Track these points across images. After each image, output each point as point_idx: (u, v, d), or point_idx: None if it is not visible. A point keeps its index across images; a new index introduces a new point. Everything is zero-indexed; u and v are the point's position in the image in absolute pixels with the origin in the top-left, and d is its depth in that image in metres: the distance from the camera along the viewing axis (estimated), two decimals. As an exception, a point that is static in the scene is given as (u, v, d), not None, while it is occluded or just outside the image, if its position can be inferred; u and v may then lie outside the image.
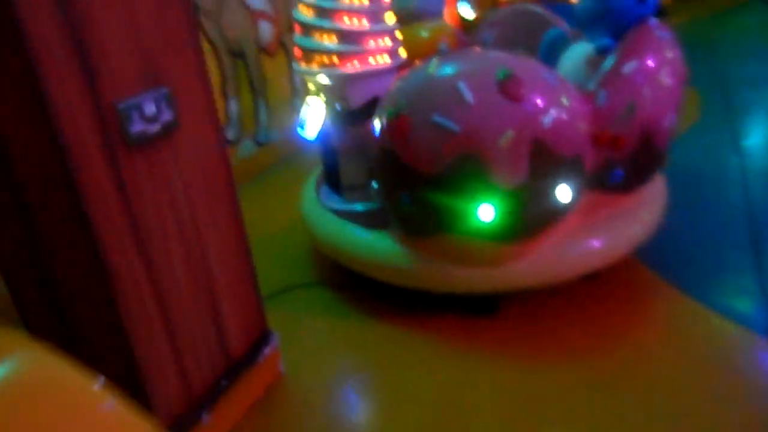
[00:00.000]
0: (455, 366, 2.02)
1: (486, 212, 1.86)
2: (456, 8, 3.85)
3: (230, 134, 3.52)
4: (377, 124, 1.97)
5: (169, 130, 1.52)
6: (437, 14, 2.82)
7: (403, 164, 1.89)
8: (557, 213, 1.97)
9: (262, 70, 3.65)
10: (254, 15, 3.53)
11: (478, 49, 2.42)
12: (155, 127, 1.48)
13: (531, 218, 1.93)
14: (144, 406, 1.57)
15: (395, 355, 2.11)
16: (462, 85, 1.75)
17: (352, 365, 2.12)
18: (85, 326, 1.57)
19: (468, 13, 3.97)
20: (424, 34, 2.73)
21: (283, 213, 3.06)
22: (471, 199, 1.85)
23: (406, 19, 2.72)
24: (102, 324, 1.50)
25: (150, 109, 1.46)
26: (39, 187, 1.40)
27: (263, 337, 1.93)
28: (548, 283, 2.16)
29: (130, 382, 1.54)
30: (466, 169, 1.79)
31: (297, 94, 3.99)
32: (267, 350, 1.93)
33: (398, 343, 2.15)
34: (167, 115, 1.51)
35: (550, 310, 2.22)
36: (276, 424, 1.85)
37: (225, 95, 3.44)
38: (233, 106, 3.51)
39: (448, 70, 1.83)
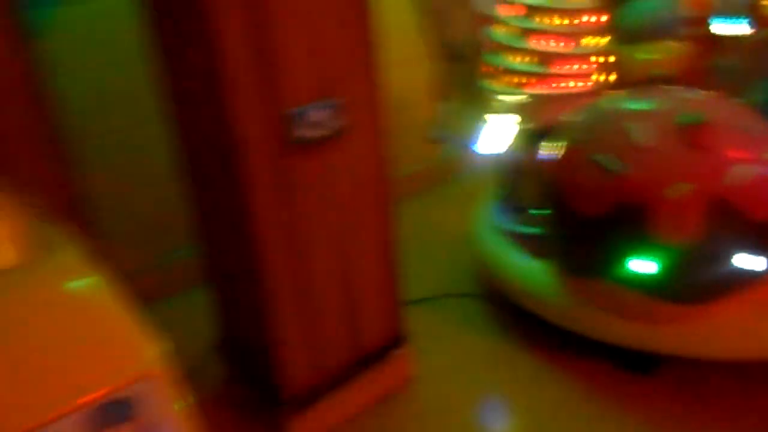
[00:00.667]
0: (594, 419, 1.88)
1: (645, 266, 1.68)
2: (706, 26, 3.33)
3: (435, 133, 3.62)
4: (547, 152, 1.90)
5: (330, 136, 1.67)
6: (666, 34, 2.54)
7: (563, 199, 1.80)
8: (737, 282, 1.70)
9: (479, 74, 3.67)
10: (481, 20, 3.55)
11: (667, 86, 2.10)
12: (318, 133, 1.64)
13: (700, 282, 1.69)
14: (273, 368, 1.78)
15: (532, 391, 2.03)
16: (632, 126, 1.60)
17: (484, 387, 2.09)
18: (238, 287, 1.84)
19: (728, 30, 3.40)
20: (645, 56, 2.49)
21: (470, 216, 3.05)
22: (629, 250, 1.69)
23: (630, 39, 2.51)
24: (249, 292, 1.75)
25: (316, 116, 1.62)
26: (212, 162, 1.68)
27: (395, 342, 2.01)
28: (718, 357, 1.87)
29: (263, 350, 1.76)
30: (626, 217, 1.64)
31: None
32: (397, 354, 2.01)
33: (539, 379, 2.06)
34: (333, 123, 1.66)
35: (716, 384, 1.94)
36: (394, 425, 1.93)
37: (437, 96, 3.53)
38: (444, 108, 3.59)
39: (625, 106, 1.68)
